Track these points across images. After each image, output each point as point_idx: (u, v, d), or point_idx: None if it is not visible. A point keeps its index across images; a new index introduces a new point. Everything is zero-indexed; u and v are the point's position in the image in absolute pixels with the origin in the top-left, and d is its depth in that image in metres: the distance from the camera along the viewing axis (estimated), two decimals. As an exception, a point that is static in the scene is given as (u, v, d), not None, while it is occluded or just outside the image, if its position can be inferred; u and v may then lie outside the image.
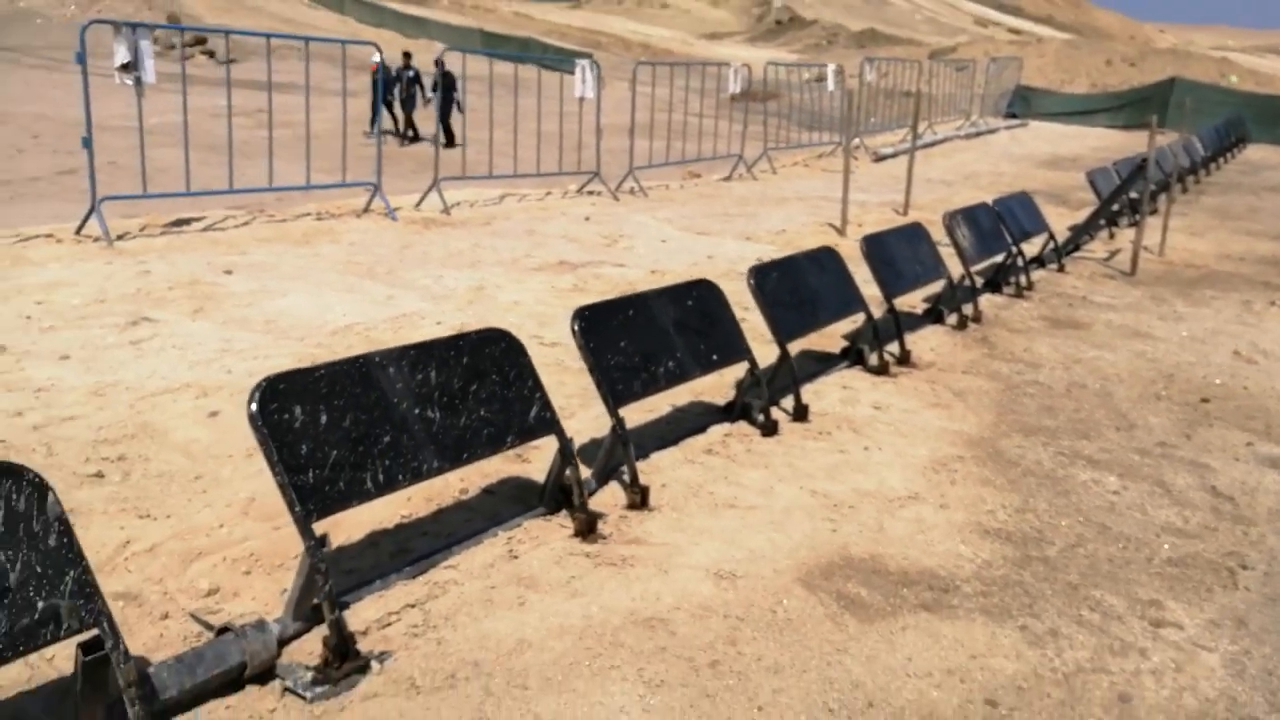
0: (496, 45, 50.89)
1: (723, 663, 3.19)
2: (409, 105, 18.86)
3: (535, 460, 4.71)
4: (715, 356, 5.01)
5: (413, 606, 3.38)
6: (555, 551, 3.84)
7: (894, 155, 20.23)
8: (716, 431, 5.22)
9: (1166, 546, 4.28)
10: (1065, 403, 6.14)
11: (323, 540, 3.02)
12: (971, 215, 8.53)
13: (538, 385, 4.00)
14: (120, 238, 8.78)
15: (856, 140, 21.56)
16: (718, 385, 5.79)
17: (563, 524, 4.07)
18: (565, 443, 4.01)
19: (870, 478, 4.74)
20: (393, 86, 18.40)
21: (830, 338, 6.85)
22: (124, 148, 11.47)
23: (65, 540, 2.53)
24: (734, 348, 5.17)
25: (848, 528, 4.20)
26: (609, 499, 4.28)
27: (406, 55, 19.27)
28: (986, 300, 8.49)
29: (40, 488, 2.53)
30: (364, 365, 3.37)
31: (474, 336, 3.88)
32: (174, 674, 2.72)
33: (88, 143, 8.44)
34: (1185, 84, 29.31)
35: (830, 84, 19.60)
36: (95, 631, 2.52)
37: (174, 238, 9.14)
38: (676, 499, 4.37)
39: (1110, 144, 24.62)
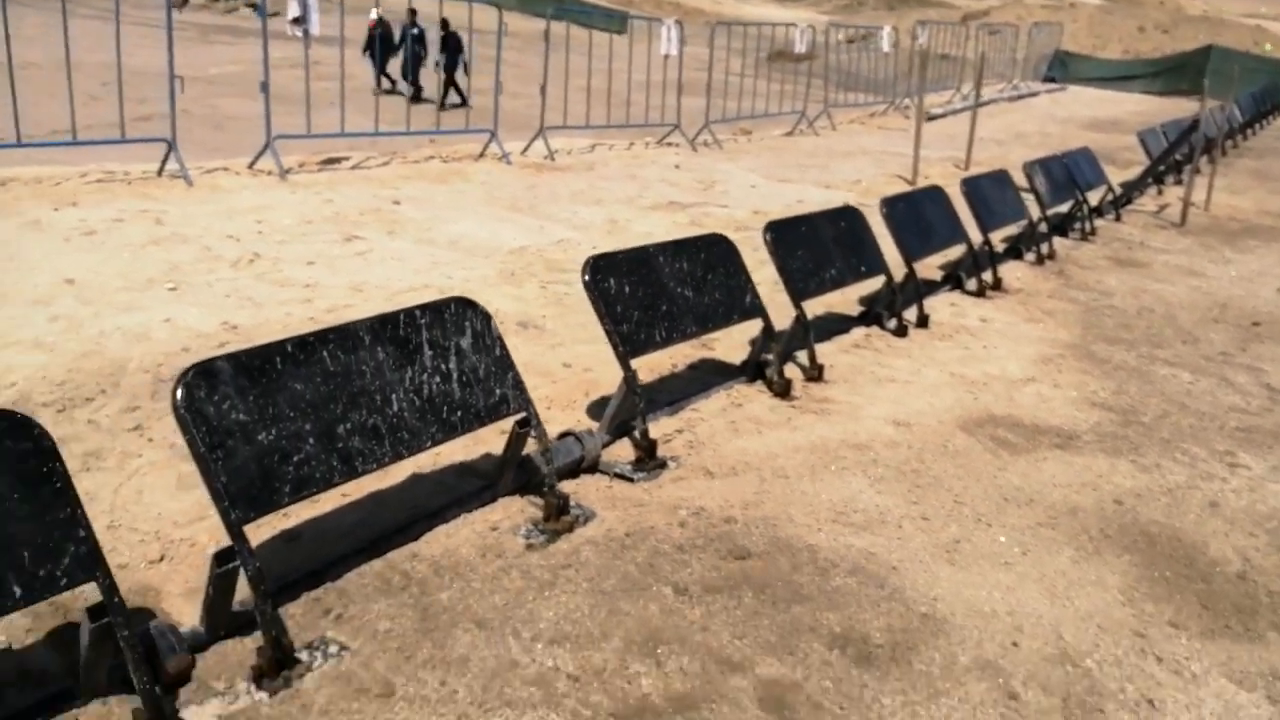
0: (532, 3, 51.55)
1: (919, 473, 4.38)
2: (415, 64, 17.99)
3: (717, 348, 5.88)
4: (863, 269, 6.17)
5: (680, 432, 4.59)
6: (766, 404, 5.04)
7: (944, 115, 21.18)
8: (857, 333, 6.38)
9: (1233, 420, 5.44)
10: (1138, 322, 7.28)
11: (635, 374, 4.22)
12: (1046, 166, 9.61)
13: (748, 279, 5.17)
14: (287, 172, 9.93)
15: (907, 101, 22.52)
16: (843, 301, 6.92)
17: (760, 390, 5.25)
18: (769, 323, 5.19)
19: (993, 366, 5.91)
20: (398, 44, 17.80)
21: (926, 268, 7.97)
22: (192, 96, 11.78)
23: (504, 352, 3.73)
24: (875, 263, 6.32)
25: (985, 397, 5.38)
26: (790, 374, 5.45)
27: (412, 12, 18.03)
28: (1057, 242, 9.58)
29: (486, 316, 3.72)
30: (646, 254, 4.56)
31: (705, 238, 5.06)
32: (557, 453, 3.91)
33: (265, 87, 9.56)
34: (1221, 51, 29.98)
35: (885, 44, 20.49)
36: (522, 413, 3.71)
37: (332, 174, 10.30)
38: (844, 376, 5.55)
39: (1147, 109, 25.43)
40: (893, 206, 6.74)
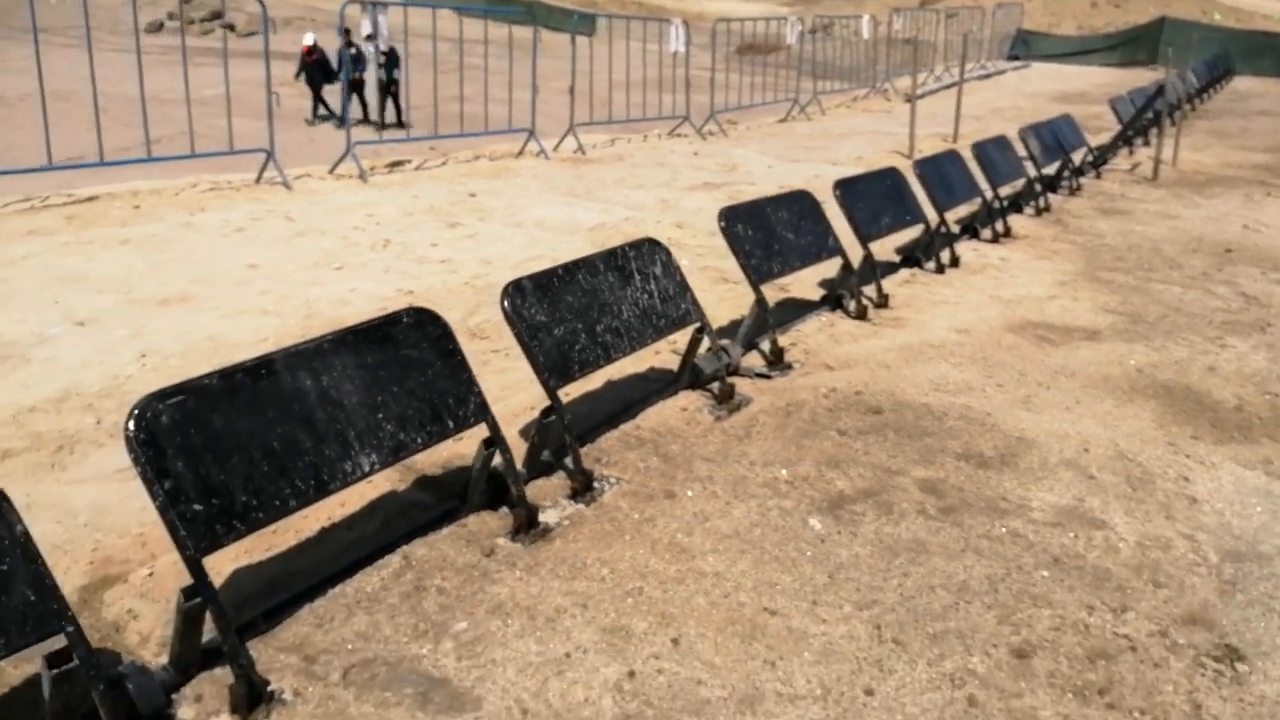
0: (498, 6, 52.72)
1: (987, 359, 5.69)
2: (357, 86, 17.37)
3: (793, 289, 7.16)
4: (907, 218, 7.47)
5: (794, 345, 5.86)
6: (851, 325, 6.33)
7: (923, 95, 22.57)
8: (903, 273, 7.68)
9: (1219, 317, 6.79)
10: (1129, 254, 8.63)
11: (764, 297, 5.49)
12: (1038, 131, 10.97)
13: (829, 226, 6.46)
14: (366, 173, 11.12)
15: (887, 84, 23.93)
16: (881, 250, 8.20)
17: (841, 316, 6.53)
18: (848, 260, 6.48)
19: (1021, 289, 7.24)
20: (337, 69, 17.36)
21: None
22: (198, 115, 11.50)
23: (682, 278, 4.99)
24: (917, 214, 7.62)
25: (1021, 310, 6.70)
26: (899, 281, 6.75)
27: (346, 32, 16.86)
28: (1049, 197, 10.93)
29: (667, 251, 4.98)
30: (761, 205, 5.83)
31: (795, 194, 6.35)
32: (709, 362, 5.15)
33: (345, 101, 10.73)
34: (1173, 23, 31.68)
35: (865, 31, 21.87)
36: (698, 323, 4.96)
37: (402, 174, 11.50)
38: (904, 303, 6.85)
39: (1109, 80, 27.01)
40: (923, 167, 8.06)
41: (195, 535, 2.77)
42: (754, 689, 2.89)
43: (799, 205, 6.29)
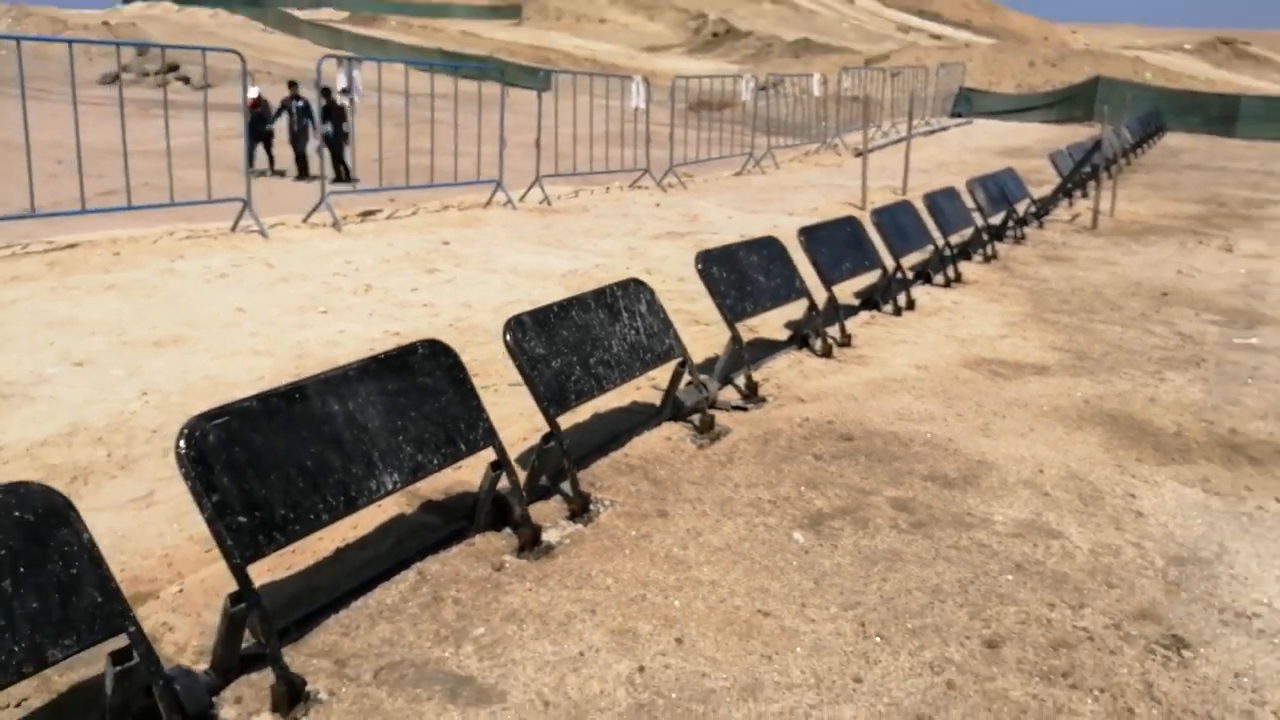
0: (460, 63, 53.48)
1: (946, 391, 6.09)
2: (301, 140, 17.37)
3: (761, 330, 7.54)
4: (866, 263, 7.91)
5: (766, 380, 6.22)
6: (818, 362, 6.71)
7: (872, 150, 23.38)
8: (863, 315, 8.10)
9: (1157, 354, 7.28)
10: (1073, 298, 9.16)
11: (739, 335, 5.85)
12: (984, 183, 11.58)
13: (795, 269, 6.87)
14: (338, 223, 11.39)
15: (836, 140, 24.77)
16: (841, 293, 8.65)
17: (808, 354, 6.91)
18: (813, 302, 6.88)
19: (974, 329, 7.69)
20: (273, 119, 17.47)
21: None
22: (152, 169, 11.58)
23: (665, 315, 5.33)
24: (875, 260, 8.07)
25: (975, 348, 7.14)
26: (860, 322, 7.14)
27: (292, 85, 17.47)
28: (995, 245, 11.51)
29: (651, 291, 5.33)
30: (734, 250, 6.21)
31: (764, 240, 6.74)
32: (690, 395, 5.48)
33: (320, 151, 11.03)
34: (1108, 82, 33.16)
35: (816, 90, 22.68)
36: (680, 358, 5.30)
37: (375, 223, 11.79)
38: (865, 342, 7.26)
39: (1048, 136, 28.16)
40: (880, 216, 8.53)
41: (240, 545, 3.01)
42: (754, 679, 3.18)
43: (768, 250, 6.69)
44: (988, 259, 10.78)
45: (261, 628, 3.05)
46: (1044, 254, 11.50)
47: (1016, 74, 51.65)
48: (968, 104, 35.05)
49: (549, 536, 4.16)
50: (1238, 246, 12.36)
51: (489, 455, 3.99)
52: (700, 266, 5.95)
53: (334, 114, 16.12)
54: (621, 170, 16.67)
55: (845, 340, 7.18)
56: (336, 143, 16.50)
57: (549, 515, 4.30)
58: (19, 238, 9.46)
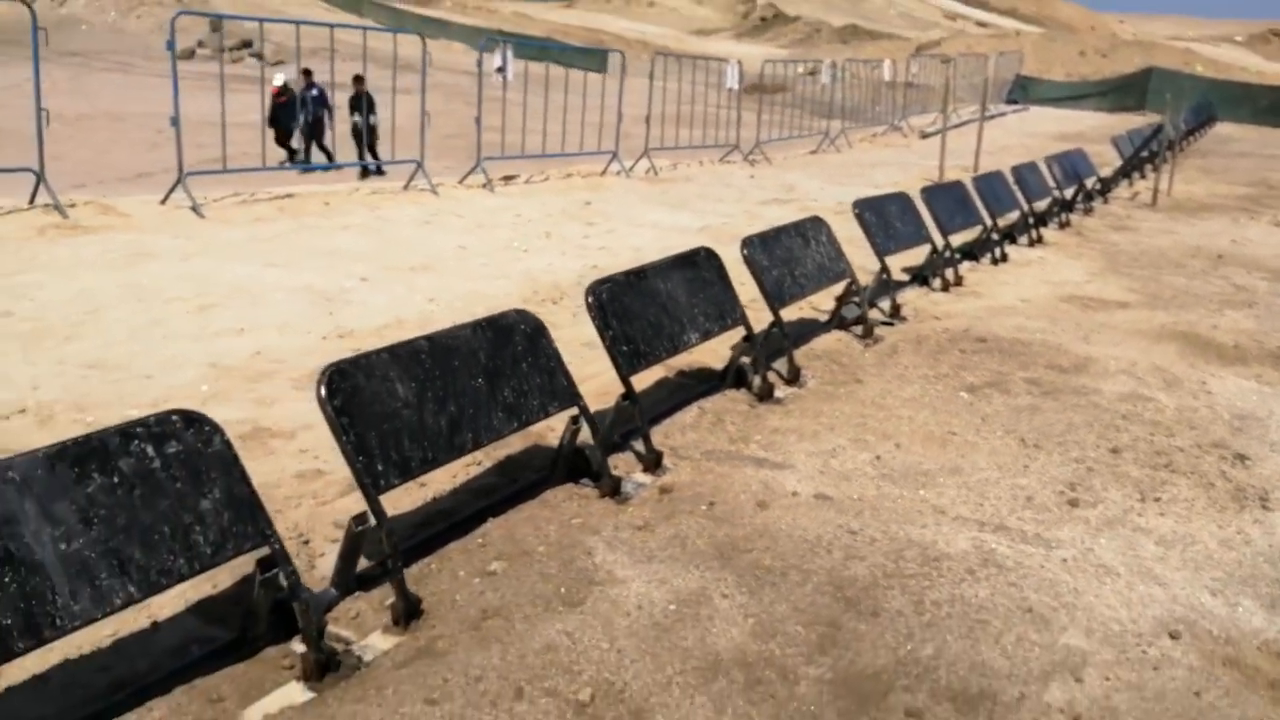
0: (519, 44, 55.12)
1: (1049, 315, 7.65)
2: (318, 130, 16.03)
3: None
4: (971, 220, 9.47)
5: (903, 305, 7.80)
6: (940, 295, 8.28)
7: (935, 134, 24.76)
8: (966, 264, 9.66)
9: (1217, 298, 8.79)
10: (1141, 257, 10.66)
11: (888, 268, 7.45)
12: (1059, 159, 13.06)
13: (922, 221, 8.44)
14: (481, 186, 13.05)
15: (902, 122, 26.16)
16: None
17: (929, 290, 8.48)
18: (935, 247, 8.45)
19: (1062, 276, 9.23)
20: (297, 110, 15.41)
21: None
22: (245, 140, 12.18)
23: (838, 245, 6.94)
24: (977, 218, 9.62)
25: (1066, 288, 8.69)
26: (968, 269, 8.70)
27: (307, 73, 15.70)
28: (1067, 215, 12.99)
29: (828, 226, 6.94)
30: (878, 199, 7.80)
31: (897, 193, 8.33)
32: (851, 310, 7.08)
33: (477, 121, 12.71)
34: (1161, 72, 34.21)
35: (825, 77, 23.92)
36: (848, 279, 6.91)
37: (517, 187, 13.46)
38: (973, 283, 8.81)
39: (1102, 124, 29.37)
40: (978, 183, 10.07)
41: (627, 361, 4.67)
42: (955, 465, 4.80)
43: (901, 202, 8.28)
44: (1062, 226, 12.26)
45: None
46: (1111, 224, 12.96)
47: (1066, 63, 52.42)
48: (1023, 91, 36.21)
49: (778, 394, 5.79)
50: (1286, 222, 13.74)
51: (740, 332, 5.62)
52: (857, 211, 7.55)
53: (363, 103, 15.28)
54: (706, 146, 18.18)
55: (958, 280, 8.75)
56: (368, 132, 15.52)
57: (774, 383, 5.93)
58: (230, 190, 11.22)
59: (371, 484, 3.39)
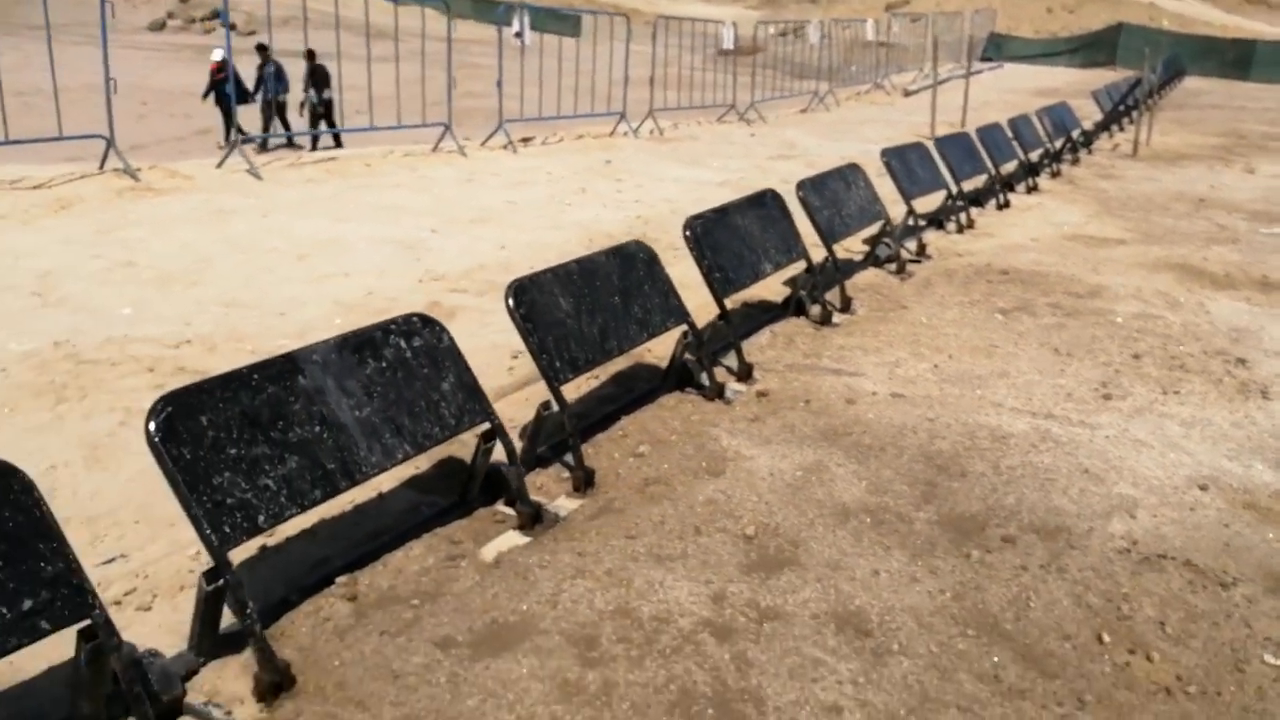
0: (486, 9, 54.93)
1: (1057, 250, 8.46)
2: (279, 107, 15.89)
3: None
4: (980, 168, 10.25)
5: (927, 244, 8.58)
6: (957, 236, 9.07)
7: (918, 91, 25.53)
8: (975, 210, 10.45)
9: (1202, 236, 9.64)
10: (1130, 202, 11.50)
11: (915, 210, 8.23)
12: (1048, 112, 13.86)
13: (939, 170, 9.21)
14: (502, 148, 13.66)
15: (884, 80, 26.87)
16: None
17: (946, 231, 9.27)
18: (950, 193, 9.23)
19: (1063, 219, 10.06)
20: (255, 88, 15.59)
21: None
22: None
23: (874, 191, 7.70)
24: (982, 167, 10.41)
25: (1068, 228, 9.51)
26: (976, 213, 9.48)
27: (262, 48, 15.60)
28: (1057, 165, 13.81)
29: (862, 171, 7.69)
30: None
31: (915, 143, 9.09)
32: (883, 249, 7.85)
33: (499, 85, 13.30)
34: (1130, 28, 35.10)
35: (813, 37, 24.56)
36: (882, 220, 7.68)
37: (536, 148, 14.08)
38: (984, 226, 9.61)
39: (1075, 79, 30.22)
40: (981, 133, 10.85)
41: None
42: (1002, 370, 5.60)
43: (920, 151, 9.05)
44: (1054, 175, 13.09)
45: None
46: (1097, 173, 13.81)
47: (1035, 20, 53.27)
48: (997, 49, 36.99)
49: (835, 320, 6.56)
50: (1258, 169, 14.67)
51: (800, 265, 6.38)
52: (886, 159, 8.30)
53: (319, 78, 14.95)
54: (703, 106, 18.81)
55: (970, 224, 9.54)
56: (324, 106, 15.32)
57: (817, 312, 6.70)
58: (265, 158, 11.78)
59: (554, 376, 4.13)
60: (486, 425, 3.81)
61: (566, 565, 3.50)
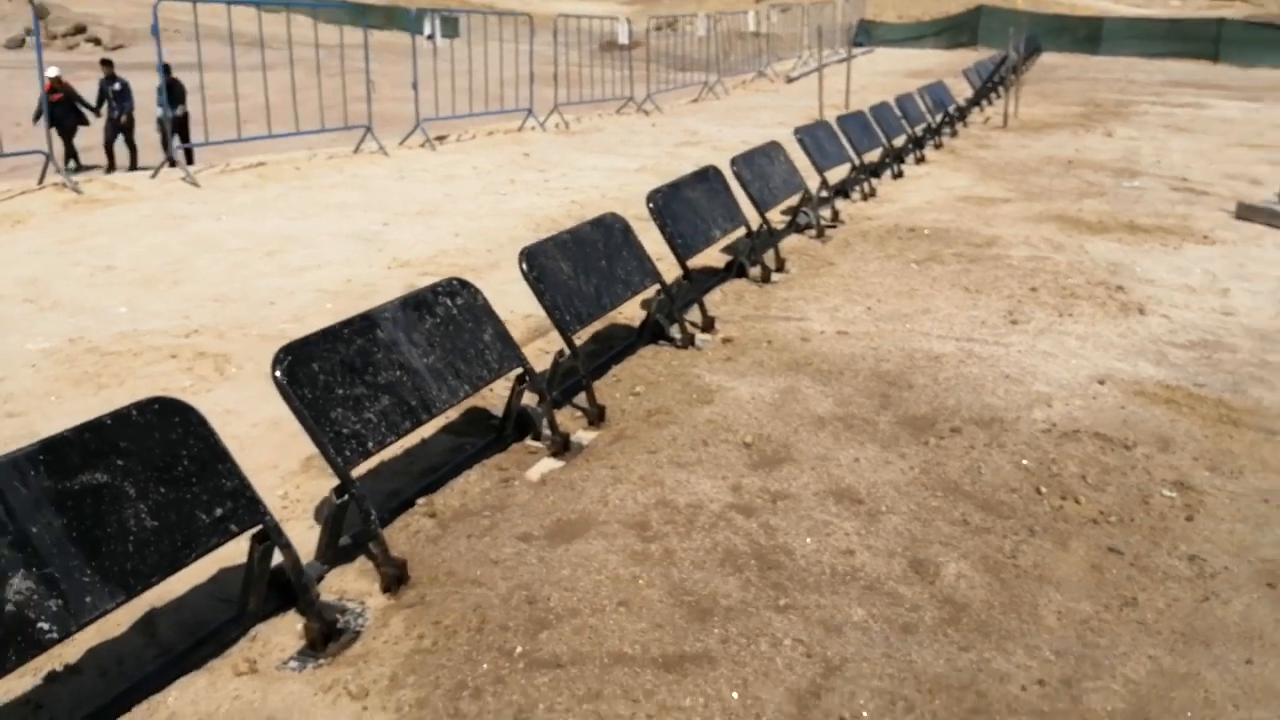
0: (361, 14, 54.69)
1: (953, 210, 9.49)
2: (127, 127, 14.81)
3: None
4: (876, 143, 11.26)
5: (840, 211, 9.51)
6: (864, 203, 10.03)
7: (800, 76, 26.77)
8: (874, 180, 11.46)
9: (1074, 191, 10.83)
10: (1007, 167, 12.71)
11: (828, 182, 9.14)
12: (928, 90, 15.05)
13: (843, 145, 10.16)
14: (421, 146, 14.15)
15: (767, 70, 28.04)
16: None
17: (851, 199, 10.22)
18: (854, 165, 10.19)
19: (951, 184, 11.14)
20: (97, 104, 14.76)
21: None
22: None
23: (793, 166, 8.58)
24: (879, 141, 11.42)
25: (957, 192, 10.58)
26: (875, 183, 10.45)
27: (106, 63, 14.87)
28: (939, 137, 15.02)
29: (783, 150, 8.56)
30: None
31: (819, 122, 10.01)
32: (804, 217, 8.73)
33: (415, 86, 13.77)
34: (989, 10, 37.23)
35: (701, 30, 25.64)
36: (802, 191, 8.56)
37: (453, 145, 14.60)
38: (884, 194, 10.60)
39: (944, 60, 32.04)
40: (875, 111, 11.87)
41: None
42: (925, 309, 6.50)
43: (827, 129, 9.97)
44: (937, 147, 14.26)
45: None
46: (975, 144, 15.06)
47: (899, 5, 55.61)
48: (867, 35, 38.72)
49: (774, 279, 7.38)
50: (1115, 133, 16.18)
51: (741, 232, 7.17)
52: (799, 137, 9.18)
53: (175, 93, 13.45)
54: (607, 100, 19.58)
55: (873, 192, 10.52)
56: (173, 122, 12.88)
57: (757, 273, 7.52)
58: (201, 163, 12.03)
59: (565, 327, 4.82)
60: (519, 369, 4.47)
61: (604, 476, 4.20)
